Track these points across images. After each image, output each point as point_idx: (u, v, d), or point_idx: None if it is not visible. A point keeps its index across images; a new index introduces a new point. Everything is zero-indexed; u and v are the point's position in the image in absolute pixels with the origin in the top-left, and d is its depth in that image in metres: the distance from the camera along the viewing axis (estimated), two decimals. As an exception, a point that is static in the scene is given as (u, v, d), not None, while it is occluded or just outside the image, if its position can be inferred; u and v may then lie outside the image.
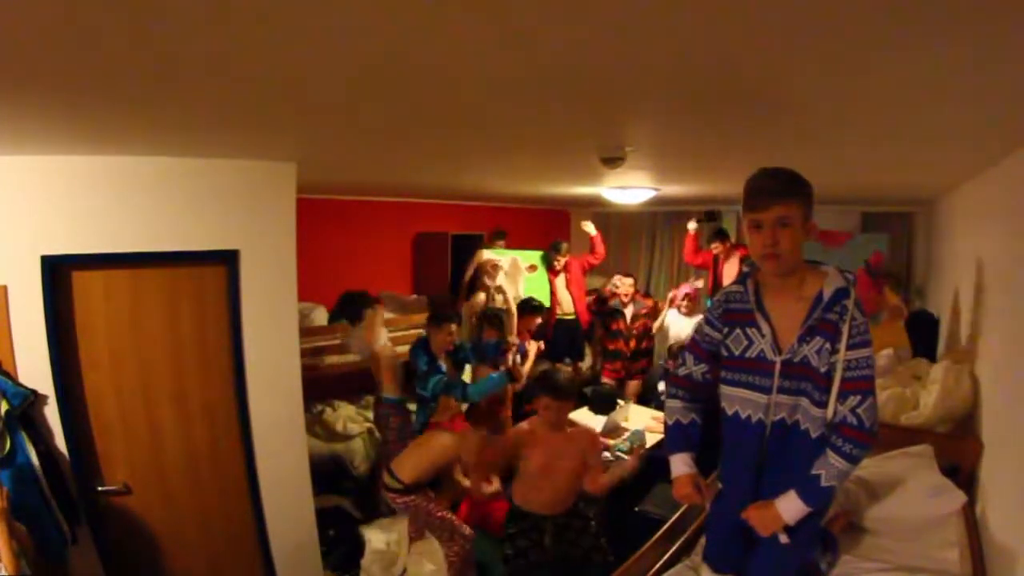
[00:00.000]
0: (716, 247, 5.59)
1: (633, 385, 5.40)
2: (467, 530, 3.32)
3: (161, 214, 2.63)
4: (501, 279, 5.31)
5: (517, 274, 5.51)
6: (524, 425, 2.88)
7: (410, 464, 3.22)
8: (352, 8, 0.99)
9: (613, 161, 2.72)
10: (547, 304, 5.79)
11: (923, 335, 3.67)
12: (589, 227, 5.90)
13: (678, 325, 5.34)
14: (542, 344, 4.69)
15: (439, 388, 3.64)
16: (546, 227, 8.11)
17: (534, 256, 5.87)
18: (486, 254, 5.50)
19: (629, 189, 4.50)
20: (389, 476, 3.25)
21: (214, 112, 1.83)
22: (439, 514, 3.29)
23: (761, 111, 1.77)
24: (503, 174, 4.06)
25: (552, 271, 5.83)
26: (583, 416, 4.67)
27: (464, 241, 6.71)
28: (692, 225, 5.80)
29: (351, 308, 4.11)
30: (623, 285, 5.39)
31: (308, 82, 1.48)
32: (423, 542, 3.50)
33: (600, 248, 5.92)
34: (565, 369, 3.28)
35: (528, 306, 5.14)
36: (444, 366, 3.80)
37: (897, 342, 3.37)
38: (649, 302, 5.72)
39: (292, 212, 3.02)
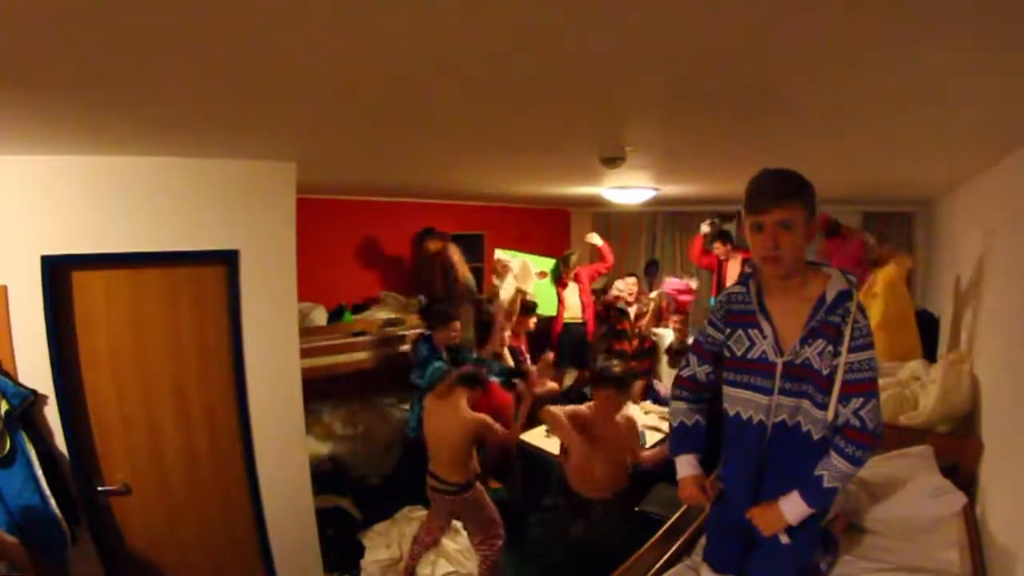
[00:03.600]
0: (718, 248, 5.59)
1: (637, 385, 5.41)
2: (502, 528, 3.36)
3: (161, 214, 2.63)
4: (510, 281, 5.32)
5: (527, 277, 5.52)
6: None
7: (449, 461, 3.21)
8: (353, 8, 0.99)
9: (613, 161, 2.72)
10: (551, 311, 5.80)
11: (923, 335, 3.67)
12: (595, 238, 5.92)
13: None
14: (551, 355, 4.73)
15: (436, 376, 3.66)
16: (546, 227, 8.11)
17: (544, 263, 5.86)
18: (497, 254, 5.52)
19: (629, 189, 4.51)
20: (437, 480, 3.25)
21: (214, 112, 1.83)
22: (490, 507, 3.32)
23: (761, 110, 1.77)
24: (503, 174, 4.06)
25: (561, 283, 5.83)
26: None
27: (464, 241, 6.72)
28: (705, 228, 5.80)
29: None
30: (626, 286, 5.43)
31: (308, 82, 1.48)
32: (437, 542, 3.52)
33: (609, 257, 5.95)
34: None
35: (522, 306, 5.15)
36: (445, 357, 3.82)
37: (907, 348, 3.33)
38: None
39: (292, 212, 3.01)
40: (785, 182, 1.48)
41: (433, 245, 5.41)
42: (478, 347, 4.53)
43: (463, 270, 5.46)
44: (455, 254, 5.48)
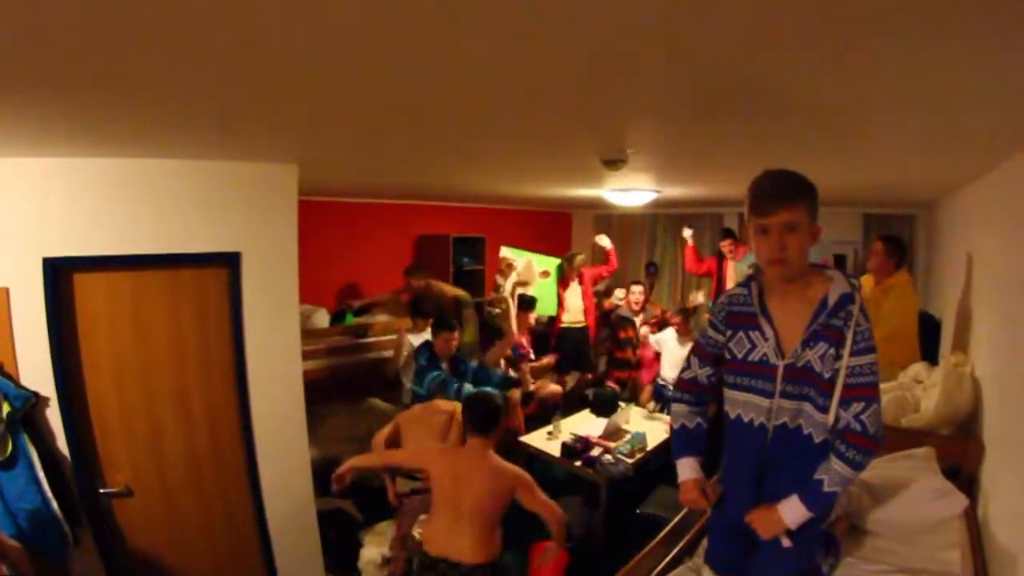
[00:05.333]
0: (726, 245, 5.57)
1: (647, 392, 5.41)
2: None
3: (163, 216, 2.64)
4: (513, 279, 5.32)
5: (530, 277, 5.53)
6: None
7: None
8: (353, 10, 0.99)
9: (614, 163, 2.72)
10: (551, 311, 5.80)
11: (924, 337, 3.66)
12: (604, 241, 5.92)
13: (671, 351, 5.07)
14: (552, 359, 4.73)
15: (434, 384, 3.67)
16: (548, 229, 8.12)
17: (549, 262, 5.86)
18: (502, 251, 5.53)
19: (630, 191, 4.51)
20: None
21: (216, 114, 1.83)
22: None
23: (761, 113, 1.77)
24: (504, 176, 4.06)
25: (563, 283, 5.84)
26: (585, 418, 4.67)
27: (465, 243, 6.72)
28: (687, 232, 5.79)
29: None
30: (634, 293, 5.44)
31: (309, 85, 1.48)
32: None
33: (614, 261, 5.96)
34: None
35: (521, 302, 5.14)
36: (444, 366, 3.82)
37: (904, 355, 3.32)
38: (657, 310, 5.75)
39: (294, 214, 3.02)
40: (789, 183, 1.48)
41: (416, 281, 5.39)
42: (482, 351, 4.53)
43: (452, 291, 5.48)
44: (438, 284, 5.50)
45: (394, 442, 3.15)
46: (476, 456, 2.54)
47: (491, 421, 2.56)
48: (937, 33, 1.06)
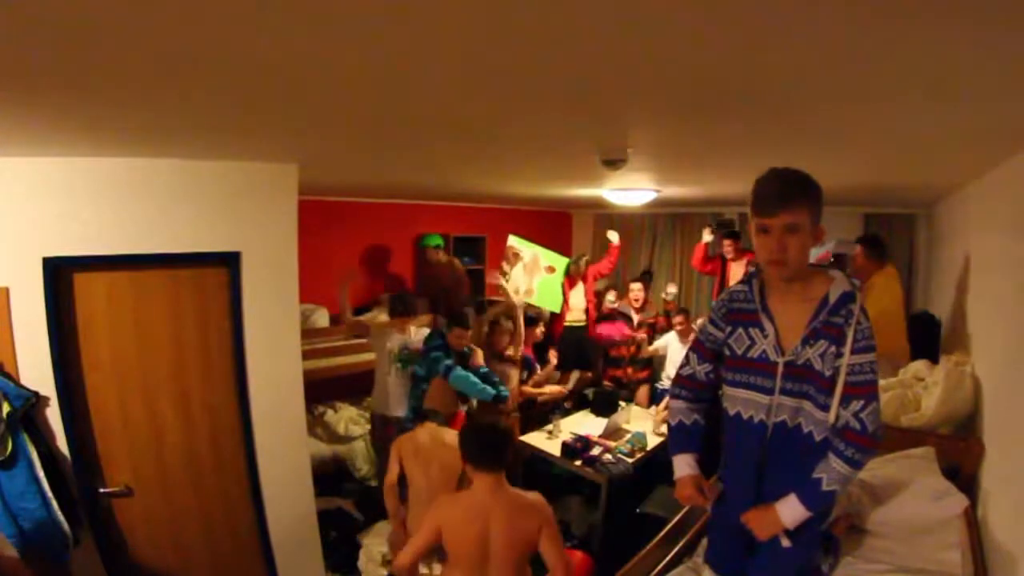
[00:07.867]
0: (727, 246, 5.56)
1: (642, 392, 5.41)
2: None
3: (163, 216, 2.64)
4: (518, 269, 5.29)
5: (535, 270, 5.50)
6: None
7: None
8: (354, 10, 0.99)
9: (614, 163, 2.72)
10: (555, 307, 5.80)
11: (924, 337, 3.66)
12: (613, 236, 5.94)
13: (675, 349, 5.15)
14: (553, 363, 4.74)
15: (431, 362, 3.68)
16: (548, 229, 8.11)
17: (555, 259, 5.85)
18: (510, 240, 5.51)
19: (630, 191, 4.51)
20: None
21: (216, 114, 1.83)
22: None
23: (761, 112, 1.77)
24: (504, 176, 4.06)
25: (570, 282, 5.84)
26: (585, 418, 4.67)
27: (465, 243, 6.73)
28: (707, 236, 5.78)
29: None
30: (633, 290, 5.45)
31: (309, 84, 1.48)
32: None
33: (615, 258, 5.98)
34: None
35: (526, 319, 5.14)
36: (453, 357, 3.80)
37: (893, 349, 3.32)
38: (655, 311, 5.75)
39: (294, 213, 3.02)
40: (792, 185, 1.47)
41: (441, 256, 5.55)
42: (491, 350, 4.51)
43: (463, 276, 5.62)
44: (460, 266, 5.79)
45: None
46: (492, 498, 2.13)
47: (502, 451, 2.18)
48: (939, 28, 1.06)
